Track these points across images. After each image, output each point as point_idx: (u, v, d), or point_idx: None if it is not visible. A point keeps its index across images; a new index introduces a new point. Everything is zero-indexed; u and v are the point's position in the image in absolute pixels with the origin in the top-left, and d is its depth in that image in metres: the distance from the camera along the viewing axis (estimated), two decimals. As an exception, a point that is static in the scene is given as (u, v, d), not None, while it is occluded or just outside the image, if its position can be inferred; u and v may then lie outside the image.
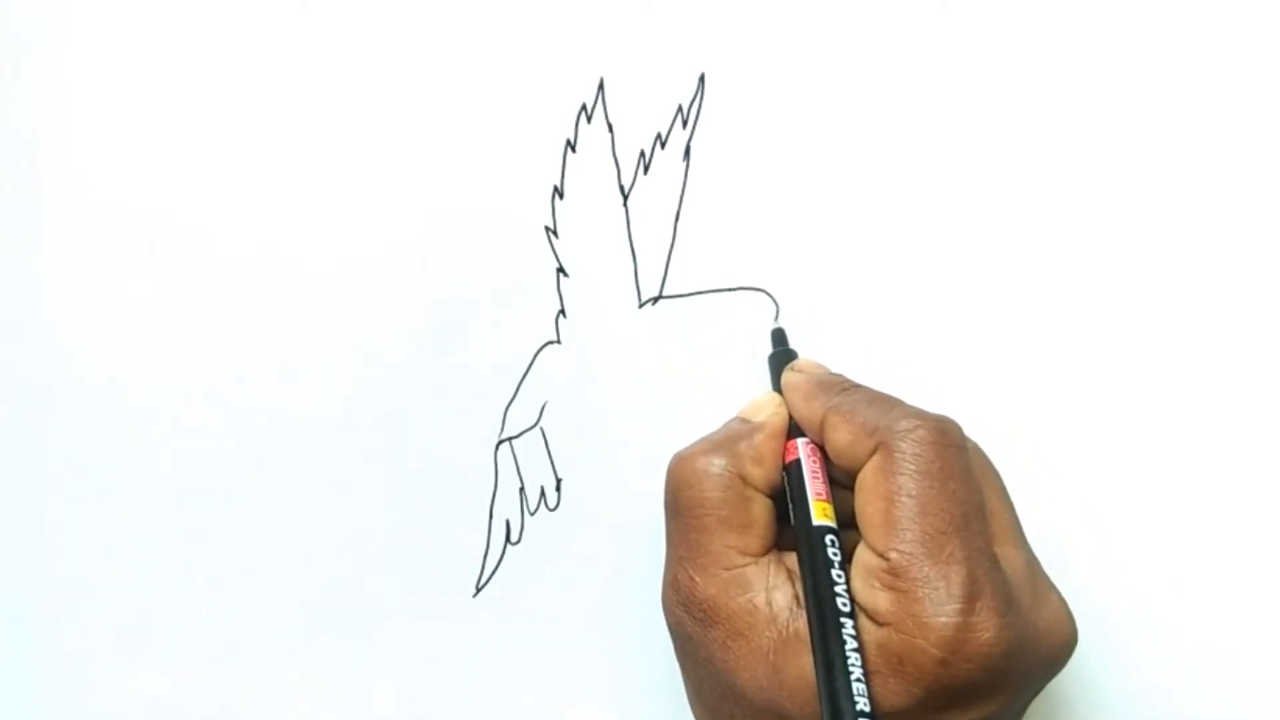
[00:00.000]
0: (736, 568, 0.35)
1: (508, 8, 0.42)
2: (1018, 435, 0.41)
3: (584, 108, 0.42)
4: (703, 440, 0.38)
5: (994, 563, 0.33)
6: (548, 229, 0.42)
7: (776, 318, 0.42)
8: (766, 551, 0.36)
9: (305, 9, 0.42)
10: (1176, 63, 0.41)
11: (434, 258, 0.42)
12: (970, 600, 0.32)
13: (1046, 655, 0.34)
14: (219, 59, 0.43)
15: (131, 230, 0.43)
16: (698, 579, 0.35)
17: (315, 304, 0.43)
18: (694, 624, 0.35)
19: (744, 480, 0.36)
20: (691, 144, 0.42)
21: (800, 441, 0.37)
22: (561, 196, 0.42)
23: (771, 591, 0.35)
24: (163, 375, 0.43)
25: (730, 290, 0.42)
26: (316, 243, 0.43)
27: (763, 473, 0.37)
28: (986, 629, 0.32)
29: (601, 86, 0.42)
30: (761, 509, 0.36)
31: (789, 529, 0.36)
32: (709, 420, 0.40)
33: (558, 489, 0.42)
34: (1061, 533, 0.41)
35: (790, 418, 0.38)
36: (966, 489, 0.34)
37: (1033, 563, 0.35)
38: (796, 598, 0.35)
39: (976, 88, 0.42)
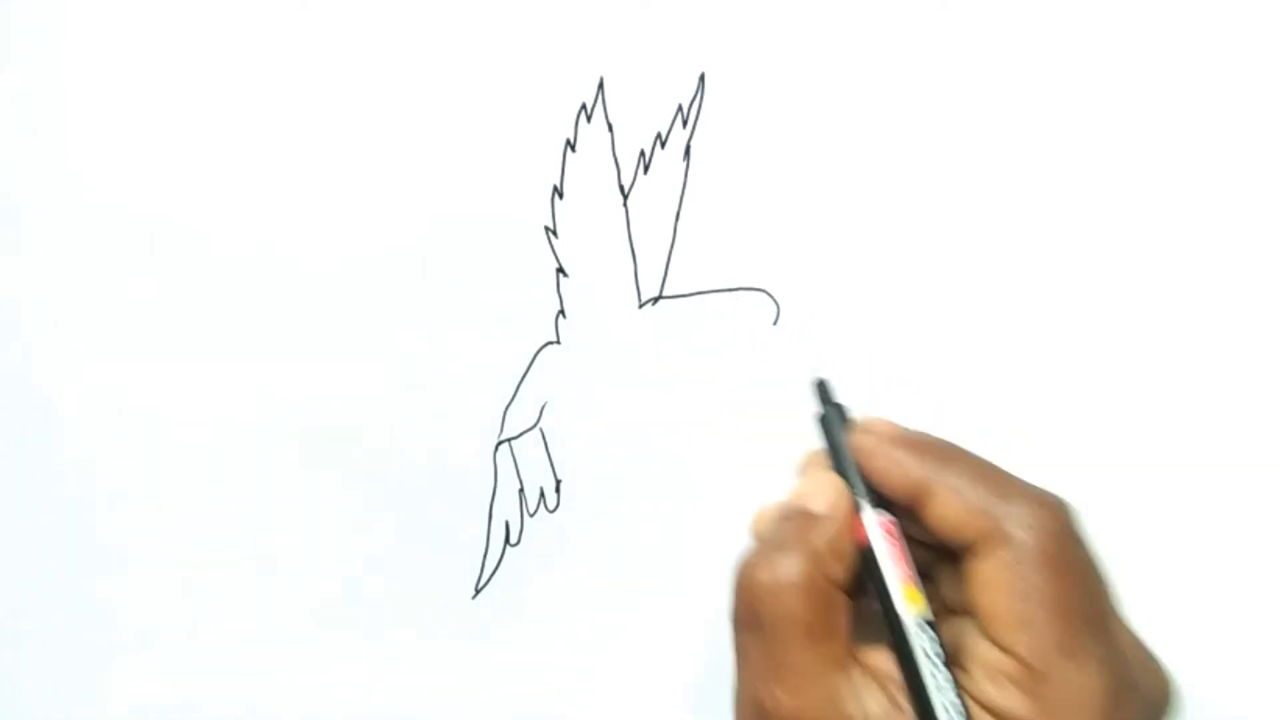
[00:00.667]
0: (826, 682, 0.32)
1: (508, 8, 0.42)
2: (1018, 435, 0.41)
3: (584, 107, 0.42)
4: (773, 547, 0.33)
5: (1120, 652, 0.32)
6: (548, 229, 0.42)
7: (776, 319, 0.42)
8: (848, 655, 0.33)
9: (305, 9, 0.42)
10: (1178, 63, 0.41)
11: (434, 258, 0.42)
12: (1112, 696, 0.31)
13: (1158, 713, 0.34)
14: (219, 59, 0.43)
15: (131, 229, 0.43)
16: (784, 698, 0.32)
17: (315, 304, 0.43)
18: None
19: (831, 583, 0.33)
20: (691, 144, 0.42)
21: (871, 520, 0.34)
22: (561, 196, 0.42)
23: (865, 701, 0.32)
24: (163, 375, 0.43)
25: (730, 290, 0.42)
26: (316, 242, 0.43)
27: (845, 570, 0.33)
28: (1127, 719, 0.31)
29: (601, 86, 0.42)
30: (845, 612, 0.33)
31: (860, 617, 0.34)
32: (708, 421, 0.40)
33: (557, 490, 0.42)
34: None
35: (858, 492, 0.34)
36: (1094, 584, 0.32)
37: (1132, 632, 0.34)
38: (892, 702, 0.32)
39: (977, 88, 0.42)
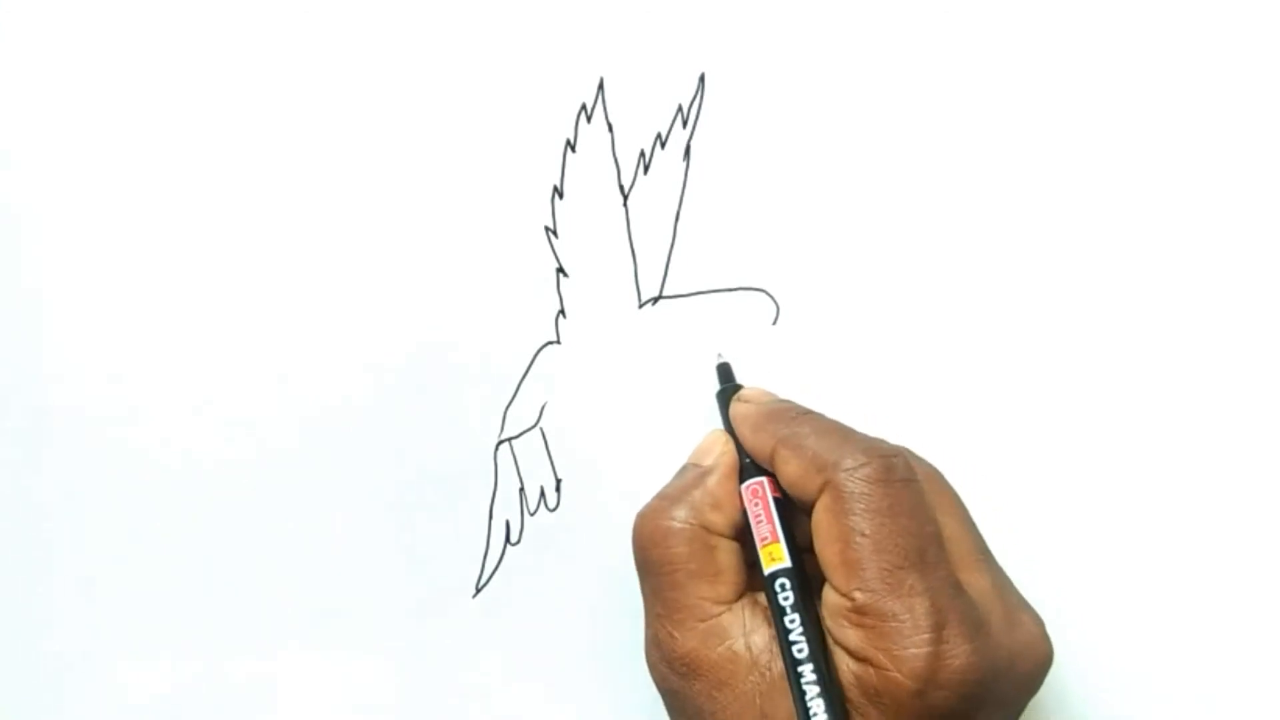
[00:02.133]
0: (712, 618, 0.35)
1: (508, 8, 0.42)
2: (1018, 436, 0.41)
3: (584, 108, 0.42)
4: (660, 496, 0.38)
5: (957, 589, 0.34)
6: (548, 229, 0.42)
7: (776, 319, 0.42)
8: (740, 596, 0.36)
9: (306, 10, 0.42)
10: (1180, 66, 0.41)
11: (434, 258, 0.42)
12: (937, 629, 0.32)
13: (1023, 674, 0.34)
14: (220, 59, 0.43)
15: (131, 228, 0.43)
16: (676, 634, 0.35)
17: (315, 304, 0.43)
18: (678, 679, 0.35)
19: (707, 529, 0.36)
20: (691, 144, 0.42)
21: (742, 487, 0.37)
22: (561, 196, 0.42)
23: (750, 636, 0.35)
24: (162, 375, 0.43)
25: (730, 290, 0.42)
26: (316, 243, 0.43)
27: (724, 517, 0.37)
28: (957, 656, 0.32)
29: (601, 86, 0.42)
30: (728, 554, 0.36)
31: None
32: (708, 420, 0.40)
33: (557, 489, 0.42)
34: (1054, 544, 0.41)
35: (740, 453, 0.38)
36: (918, 522, 0.34)
37: (1001, 583, 0.35)
38: (775, 638, 0.35)
39: (977, 89, 0.42)
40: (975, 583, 0.35)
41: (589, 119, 0.42)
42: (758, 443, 0.37)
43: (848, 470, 0.34)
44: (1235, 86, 0.41)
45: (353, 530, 0.43)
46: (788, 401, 0.39)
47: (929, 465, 0.37)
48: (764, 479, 0.37)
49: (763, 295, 0.42)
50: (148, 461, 0.43)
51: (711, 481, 0.37)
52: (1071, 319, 0.42)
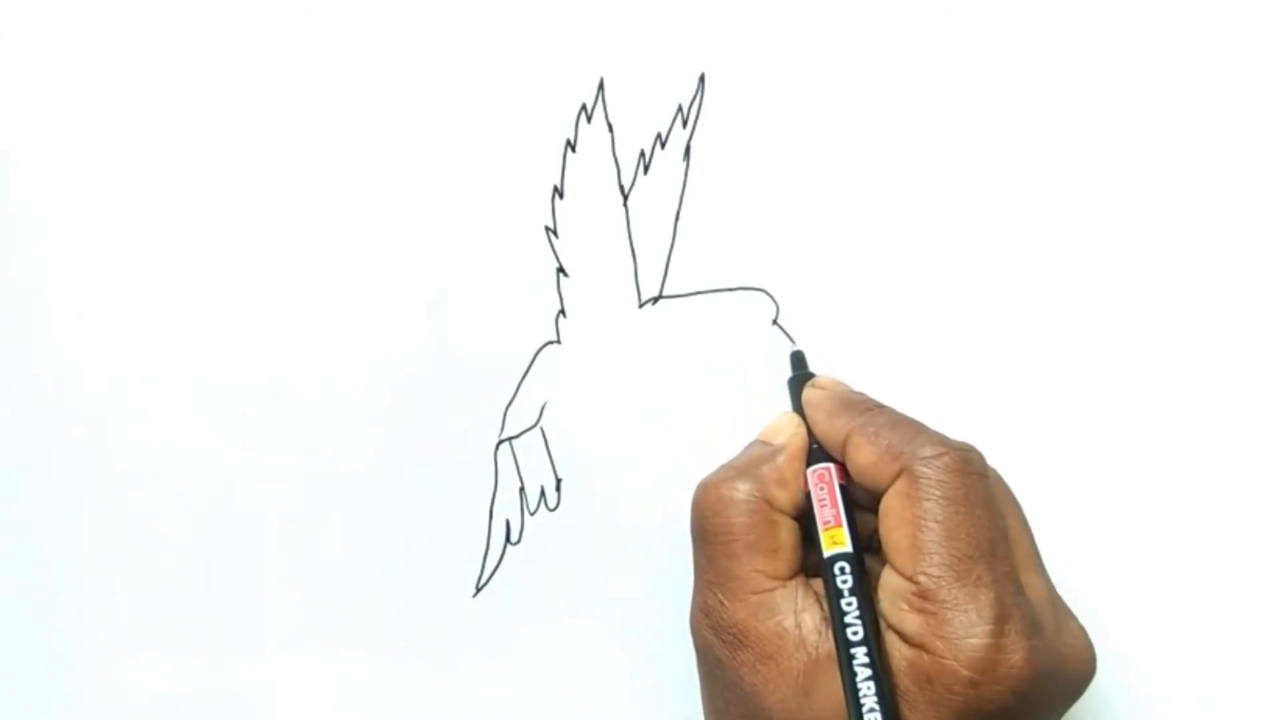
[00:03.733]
0: (765, 591, 0.35)
1: (508, 8, 0.42)
2: (1017, 436, 0.41)
3: (584, 108, 0.42)
4: (726, 466, 0.38)
5: (1019, 588, 0.34)
6: (548, 229, 0.42)
7: (776, 318, 0.42)
8: (794, 574, 0.36)
9: (306, 10, 0.42)
10: (1179, 66, 0.41)
11: (434, 257, 0.42)
12: (1000, 623, 0.33)
13: (1069, 680, 0.34)
14: (220, 60, 0.43)
15: (130, 228, 0.43)
16: (727, 603, 0.35)
17: (315, 304, 0.43)
18: (723, 647, 0.35)
19: (770, 504, 0.36)
20: (691, 144, 0.42)
21: (809, 471, 0.37)
22: (561, 196, 0.42)
23: (800, 614, 0.35)
24: (162, 375, 0.43)
25: (730, 290, 0.42)
26: (316, 243, 0.43)
27: (788, 495, 0.37)
28: (1016, 651, 0.32)
29: (601, 86, 0.42)
30: (788, 532, 0.36)
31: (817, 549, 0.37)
32: (708, 420, 0.40)
33: (558, 489, 0.42)
34: (1074, 544, 0.41)
35: (810, 437, 0.38)
36: (991, 515, 0.34)
37: (1052, 589, 0.36)
38: (825, 620, 0.35)
39: (977, 89, 0.42)
40: (1034, 585, 0.35)
41: (589, 119, 0.42)
42: (831, 429, 0.37)
43: (926, 458, 0.34)
44: (1235, 86, 0.41)
45: (353, 530, 0.43)
46: (860, 393, 0.39)
47: (994, 469, 0.37)
48: (831, 464, 0.37)
49: (763, 295, 0.42)
50: (147, 461, 0.43)
51: (781, 459, 0.37)
52: (1075, 316, 0.42)
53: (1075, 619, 0.36)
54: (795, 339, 0.42)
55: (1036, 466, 0.41)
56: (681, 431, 0.41)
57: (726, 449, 0.40)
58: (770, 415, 0.40)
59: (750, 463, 0.38)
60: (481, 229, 0.42)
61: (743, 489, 0.36)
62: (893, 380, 0.42)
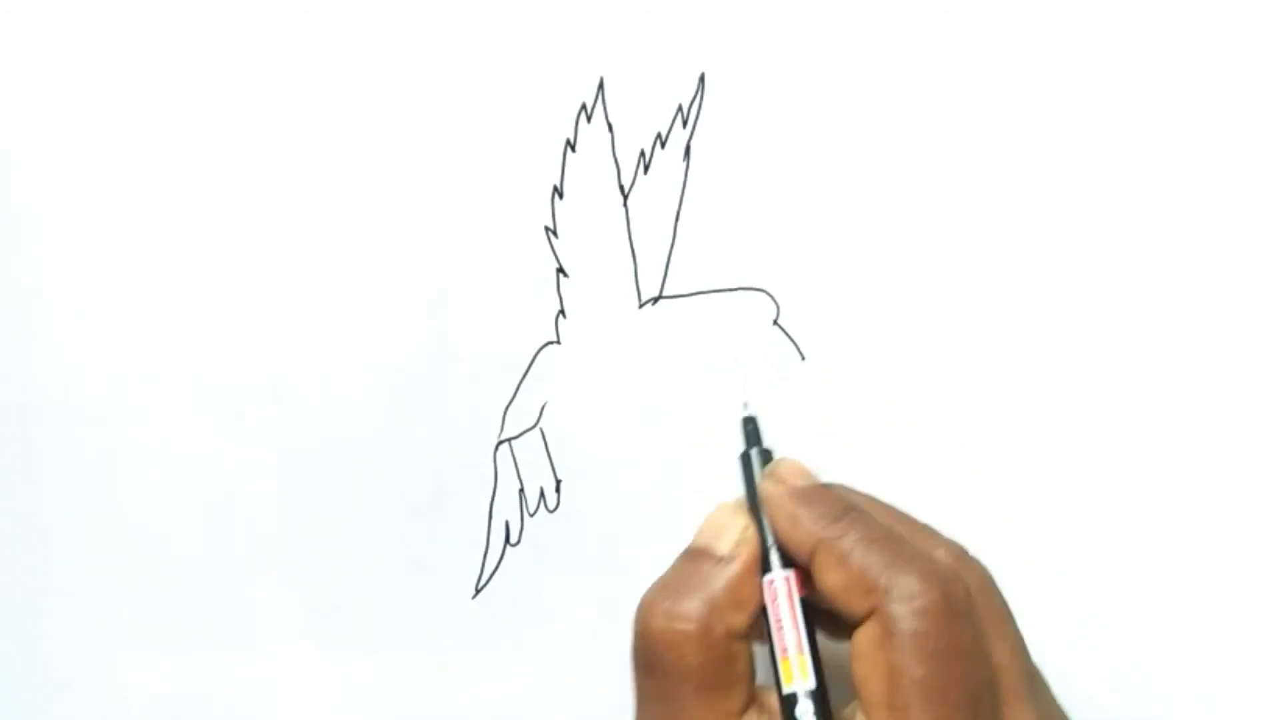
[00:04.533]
0: None
1: (508, 8, 0.42)
2: (1017, 437, 0.41)
3: (584, 107, 0.42)
4: (672, 587, 0.33)
5: None
6: (548, 229, 0.42)
7: (776, 318, 0.42)
8: (749, 704, 0.32)
9: (306, 9, 0.42)
10: (1179, 65, 0.41)
11: (434, 258, 0.42)
12: None
13: None
14: (220, 60, 0.43)
15: (130, 228, 0.43)
16: None
17: (315, 304, 0.43)
18: None
19: (728, 634, 0.32)
20: (691, 144, 0.42)
21: (765, 581, 0.33)
22: (561, 196, 0.42)
23: None
24: (162, 375, 0.43)
25: (730, 290, 0.42)
26: (316, 243, 0.43)
27: (745, 617, 0.33)
28: None
29: (601, 86, 0.42)
30: (744, 662, 0.32)
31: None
32: (708, 420, 0.40)
33: (557, 490, 0.42)
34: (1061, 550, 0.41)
35: (762, 537, 0.33)
36: (974, 665, 0.31)
37: (1040, 698, 0.33)
38: None
39: (978, 88, 0.42)
40: (1020, 715, 0.32)
41: (589, 119, 0.42)
42: (794, 537, 0.33)
43: (901, 601, 0.30)
44: (1235, 86, 0.41)
45: (353, 530, 0.43)
46: (830, 487, 0.34)
47: (980, 570, 0.33)
48: (790, 574, 0.33)
49: (763, 295, 0.42)
50: (147, 462, 0.43)
51: (733, 574, 0.33)
52: (1072, 313, 0.42)
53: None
54: (795, 339, 0.42)
55: (1036, 466, 0.41)
56: (681, 431, 0.41)
57: (727, 449, 0.39)
58: (769, 416, 0.40)
59: (700, 581, 0.33)
60: (481, 229, 0.42)
61: (697, 620, 0.32)
62: (892, 380, 0.42)
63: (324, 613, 0.43)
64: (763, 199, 0.42)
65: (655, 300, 0.42)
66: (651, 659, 0.32)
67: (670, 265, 0.42)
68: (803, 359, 0.42)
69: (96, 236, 0.43)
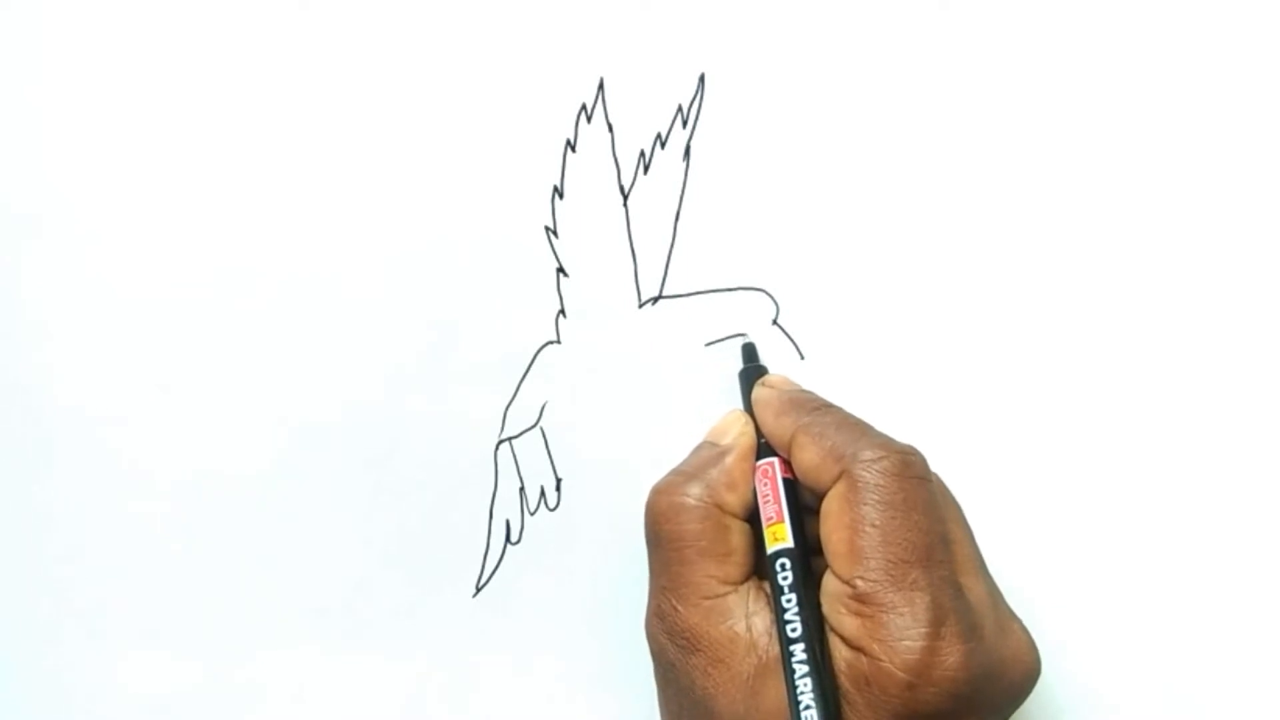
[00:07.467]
0: (717, 596, 0.36)
1: (508, 8, 0.42)
2: (1015, 437, 0.41)
3: (584, 108, 0.42)
4: (676, 471, 0.38)
5: (958, 591, 0.34)
6: (548, 229, 0.42)
7: (776, 318, 0.42)
8: (747, 578, 0.36)
9: (305, 9, 0.42)
10: (1177, 64, 0.41)
11: (434, 258, 0.42)
12: (935, 626, 0.33)
13: (1011, 684, 0.34)
14: (220, 60, 0.43)
15: (131, 229, 0.43)
16: (680, 608, 0.36)
17: (315, 305, 0.43)
18: (677, 652, 0.36)
19: (721, 509, 0.37)
20: (691, 144, 0.42)
21: (757, 466, 0.38)
22: (561, 196, 0.42)
23: (751, 618, 0.35)
24: (163, 375, 0.43)
25: (730, 290, 0.42)
26: (316, 243, 0.43)
27: (738, 498, 0.37)
28: (951, 655, 0.33)
29: (601, 86, 0.42)
30: (740, 536, 0.37)
31: None
32: (708, 420, 0.40)
33: (558, 489, 0.42)
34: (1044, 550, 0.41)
35: (758, 435, 0.38)
36: (929, 519, 0.34)
37: (994, 592, 0.36)
38: (775, 623, 0.35)
39: (976, 88, 0.42)
40: (973, 588, 0.35)
41: (589, 119, 0.42)
42: (777, 428, 0.38)
43: (866, 461, 0.35)
44: (1234, 85, 0.41)
45: (353, 530, 0.43)
46: (810, 392, 0.39)
47: (936, 474, 0.37)
48: (775, 459, 0.37)
49: (763, 295, 0.42)
50: (148, 462, 0.43)
51: (729, 461, 0.38)
52: (1070, 313, 0.42)
53: (1019, 622, 0.36)
54: (795, 339, 0.42)
55: (1036, 466, 0.41)
56: (681, 431, 0.41)
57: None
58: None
59: (700, 465, 0.38)
60: (481, 229, 0.42)
61: (694, 494, 0.37)
62: (892, 380, 0.42)
63: (324, 612, 0.43)
64: (762, 199, 0.42)
65: (655, 300, 0.42)
66: (657, 530, 0.37)
67: (670, 265, 0.42)
68: (802, 359, 0.42)
69: (97, 237, 0.43)
